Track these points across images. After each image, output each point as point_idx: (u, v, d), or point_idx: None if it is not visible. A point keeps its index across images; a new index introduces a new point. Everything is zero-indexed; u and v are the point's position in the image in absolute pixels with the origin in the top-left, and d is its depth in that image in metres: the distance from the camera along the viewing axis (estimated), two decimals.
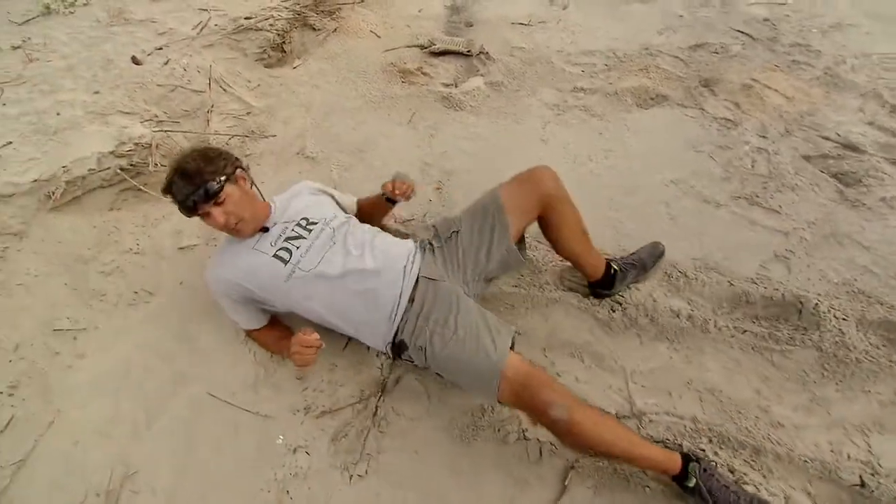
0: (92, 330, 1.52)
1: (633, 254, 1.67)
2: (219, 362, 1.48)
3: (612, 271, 1.57)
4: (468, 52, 2.69)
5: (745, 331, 1.53)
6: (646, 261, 1.65)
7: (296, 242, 1.33)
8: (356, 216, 1.57)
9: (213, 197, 1.24)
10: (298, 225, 1.36)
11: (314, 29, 2.87)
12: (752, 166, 2.04)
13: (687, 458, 1.17)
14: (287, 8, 2.78)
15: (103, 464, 1.30)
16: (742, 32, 2.78)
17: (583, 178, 2.06)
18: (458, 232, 1.39)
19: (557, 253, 1.55)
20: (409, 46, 2.78)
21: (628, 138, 2.22)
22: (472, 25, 3.04)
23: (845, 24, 2.73)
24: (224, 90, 2.31)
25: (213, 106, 2.21)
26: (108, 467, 1.30)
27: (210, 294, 1.42)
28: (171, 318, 1.58)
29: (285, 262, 1.30)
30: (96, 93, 2.07)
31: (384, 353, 1.38)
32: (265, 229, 1.36)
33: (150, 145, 1.90)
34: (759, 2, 3.01)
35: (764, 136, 2.16)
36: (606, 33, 2.87)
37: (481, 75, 2.56)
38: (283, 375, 1.45)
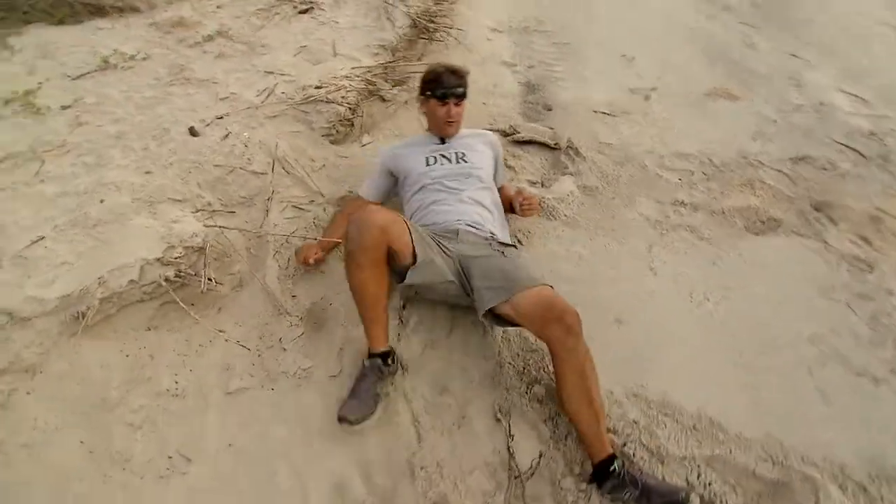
0: None
1: (651, 477, 1.25)
2: None
3: (612, 469, 1.21)
4: (555, 145, 2.35)
5: None
6: (652, 494, 1.19)
7: (443, 160, 1.72)
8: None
9: (462, 96, 1.72)
10: (457, 154, 1.73)
11: (383, 100, 2.54)
12: None
13: None
14: (358, 77, 2.46)
15: None
16: (848, 147, 2.45)
17: (705, 322, 1.67)
18: (487, 257, 1.51)
19: None
20: (489, 130, 2.44)
21: (746, 272, 1.85)
22: (550, 109, 2.71)
23: None
24: (286, 172, 1.94)
25: (273, 192, 1.85)
26: None
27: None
28: (215, 499, 1.17)
29: (428, 164, 1.71)
30: (147, 173, 1.70)
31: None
32: (443, 140, 1.79)
33: (203, 249, 1.52)
34: (859, 112, 2.70)
35: None
36: (697, 134, 2.54)
37: (571, 174, 2.21)
38: None
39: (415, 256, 1.39)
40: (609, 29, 3.56)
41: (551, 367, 1.50)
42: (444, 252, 1.49)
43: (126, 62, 2.27)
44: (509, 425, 1.38)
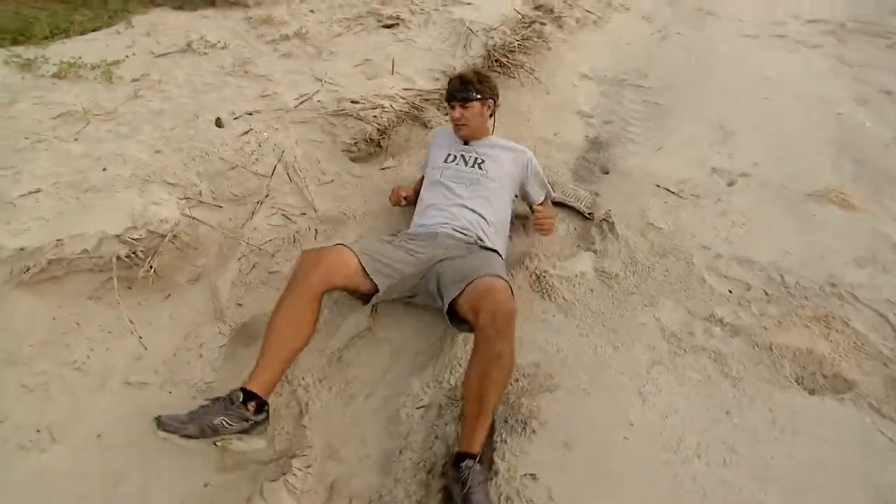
0: None
1: (480, 493, 1.16)
2: None
3: (461, 465, 1.19)
4: (589, 214, 2.07)
5: None
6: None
7: (462, 161, 1.77)
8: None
9: (463, 101, 1.73)
10: (476, 159, 1.77)
11: (426, 126, 2.48)
12: None
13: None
14: (405, 99, 2.43)
15: None
16: None
17: (682, 487, 1.28)
18: (463, 257, 1.55)
19: None
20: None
21: (770, 438, 1.40)
22: (607, 173, 2.41)
23: None
24: (289, 178, 1.95)
25: (267, 196, 1.86)
26: None
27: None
28: (61, 487, 1.16)
29: (446, 161, 1.78)
30: (157, 152, 1.82)
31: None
32: (467, 142, 1.82)
33: (164, 237, 1.56)
34: None
35: None
36: (777, 240, 2.05)
37: (594, 252, 1.91)
38: None
39: (373, 282, 1.42)
40: (720, 95, 3.11)
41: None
42: (410, 254, 1.52)
43: (205, 48, 2.51)
44: None
